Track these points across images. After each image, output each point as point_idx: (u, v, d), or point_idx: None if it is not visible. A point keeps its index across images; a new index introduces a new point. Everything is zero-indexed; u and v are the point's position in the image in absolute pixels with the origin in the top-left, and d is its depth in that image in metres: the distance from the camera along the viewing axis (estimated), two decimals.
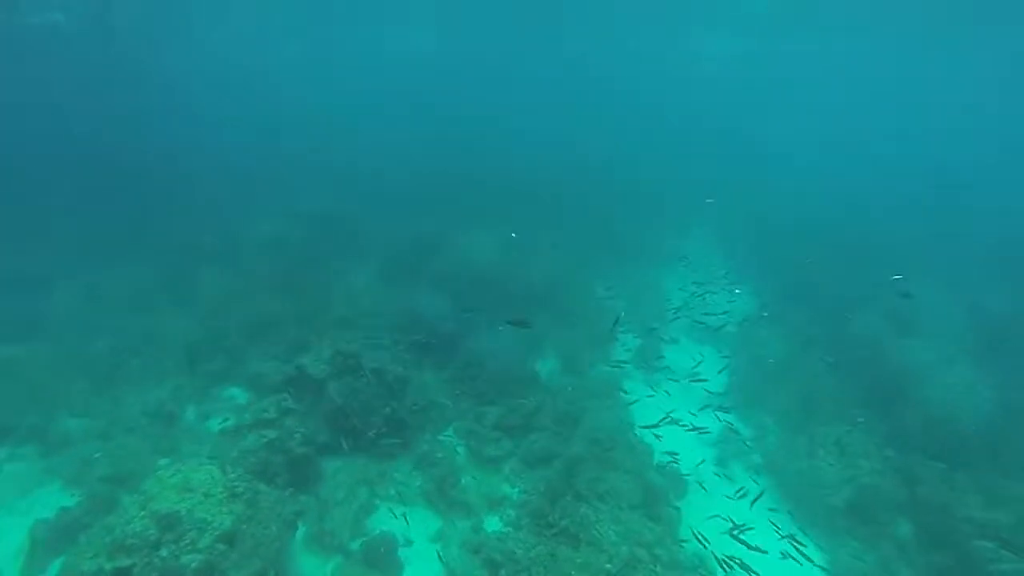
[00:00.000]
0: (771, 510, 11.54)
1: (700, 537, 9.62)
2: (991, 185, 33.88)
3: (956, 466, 11.79)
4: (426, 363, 13.82)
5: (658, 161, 33.92)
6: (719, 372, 16.06)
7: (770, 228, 25.13)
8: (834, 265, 20.63)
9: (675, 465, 12.12)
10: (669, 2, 38.24)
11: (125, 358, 14.38)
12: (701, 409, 13.98)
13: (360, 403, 11.75)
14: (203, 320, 15.97)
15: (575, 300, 18.23)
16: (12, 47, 37.03)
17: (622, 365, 15.66)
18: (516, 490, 11.22)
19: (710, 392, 15.11)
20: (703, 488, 11.82)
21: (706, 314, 17.29)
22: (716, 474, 12.45)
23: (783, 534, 10.31)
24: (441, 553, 9.86)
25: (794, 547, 9.95)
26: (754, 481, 12.42)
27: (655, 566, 8.74)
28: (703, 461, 12.57)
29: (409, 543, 10.07)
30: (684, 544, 9.86)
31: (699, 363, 15.50)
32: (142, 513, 7.90)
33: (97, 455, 11.23)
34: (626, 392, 14.46)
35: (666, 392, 14.74)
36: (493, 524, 10.50)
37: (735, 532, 10.43)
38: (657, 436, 12.43)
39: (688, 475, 12.03)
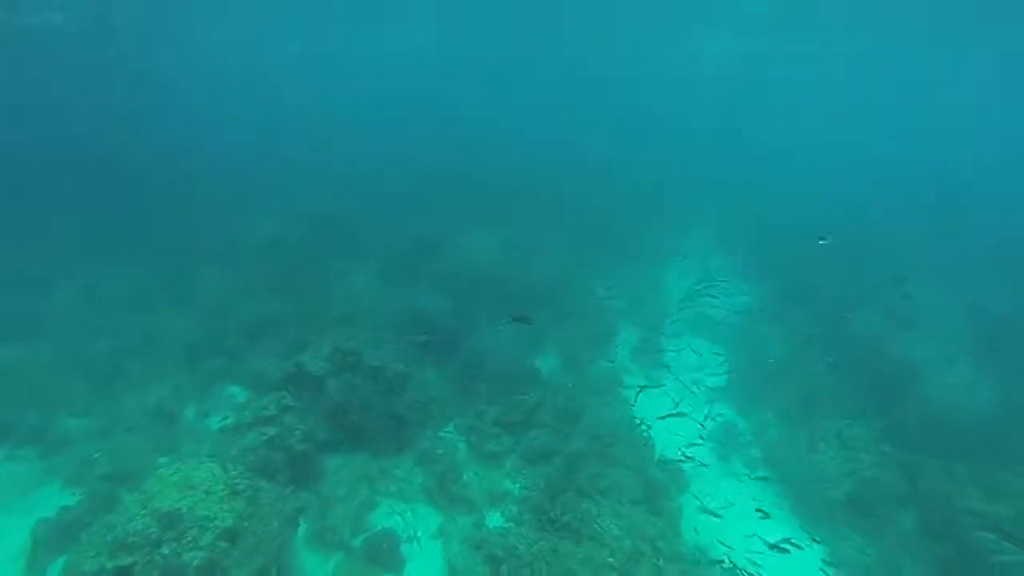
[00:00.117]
0: (772, 503, 11.57)
1: (701, 531, 9.64)
2: (991, 185, 33.88)
3: (956, 460, 11.82)
4: (427, 360, 13.79)
5: (658, 161, 33.81)
6: (720, 369, 16.08)
7: (770, 227, 25.09)
8: (835, 264, 20.63)
9: (676, 460, 12.14)
10: (669, 2, 38.27)
11: (125, 357, 14.36)
12: (702, 405, 14.01)
13: (360, 400, 11.75)
14: (203, 319, 15.96)
15: (575, 299, 18.24)
16: (11, 47, 36.98)
17: (622, 362, 15.71)
18: (517, 486, 11.21)
19: (711, 388, 15.15)
20: (704, 482, 11.83)
21: (707, 312, 17.36)
22: (717, 468, 12.46)
23: (783, 527, 10.33)
24: (443, 549, 9.85)
25: (794, 542, 9.98)
26: (754, 474, 12.44)
27: (658, 560, 8.73)
28: (704, 456, 12.58)
29: (411, 539, 10.06)
30: (686, 538, 9.86)
31: (699, 360, 15.55)
32: (143, 511, 7.89)
33: (97, 454, 11.23)
34: (626, 388, 14.48)
35: (667, 389, 14.74)
36: (495, 520, 10.49)
37: (738, 526, 10.44)
38: (658, 432, 12.47)
39: (689, 470, 12.02)
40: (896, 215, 27.03)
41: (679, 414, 13.31)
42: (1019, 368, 14.65)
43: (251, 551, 8.03)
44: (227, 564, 7.67)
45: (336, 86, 58.91)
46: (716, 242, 25.26)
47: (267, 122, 40.37)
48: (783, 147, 42.70)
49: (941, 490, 11.39)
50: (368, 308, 15.93)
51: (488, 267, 18.20)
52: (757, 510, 11.11)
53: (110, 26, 38.71)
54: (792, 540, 10.25)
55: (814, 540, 10.84)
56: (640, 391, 14.15)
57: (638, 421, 12.97)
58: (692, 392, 14.82)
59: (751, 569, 9.87)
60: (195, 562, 7.39)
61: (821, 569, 10.23)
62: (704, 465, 12.16)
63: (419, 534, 10.16)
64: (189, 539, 7.60)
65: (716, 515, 10.88)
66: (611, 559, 8.61)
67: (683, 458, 12.22)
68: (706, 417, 13.67)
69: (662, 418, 12.50)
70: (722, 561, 9.81)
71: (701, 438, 13.19)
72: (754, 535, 10.46)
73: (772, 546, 10.17)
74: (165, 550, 7.41)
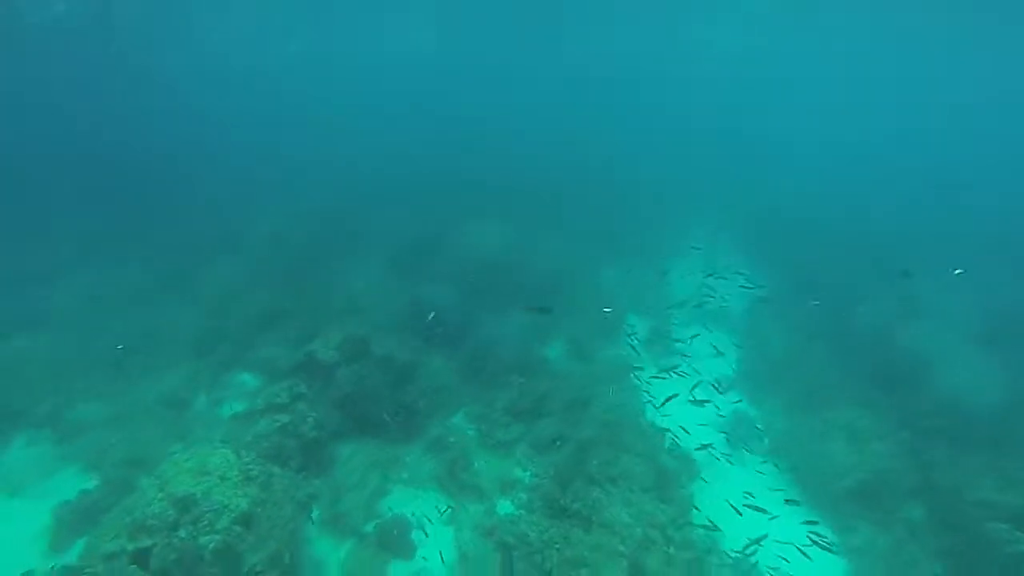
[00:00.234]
0: (782, 492, 11.55)
1: (712, 519, 9.65)
2: (992, 185, 33.60)
3: (968, 450, 11.76)
4: (435, 350, 13.82)
5: (660, 158, 33.80)
6: (729, 358, 16.06)
7: (775, 222, 25.19)
8: (840, 259, 20.80)
9: (686, 448, 12.14)
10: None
11: (137, 347, 14.49)
12: (712, 394, 13.97)
13: (370, 388, 11.81)
14: (212, 310, 16.10)
15: (582, 290, 18.21)
16: (13, 44, 37.02)
17: (631, 352, 15.70)
18: (527, 473, 11.26)
19: (721, 378, 15.11)
20: (714, 470, 11.84)
21: (715, 302, 17.30)
22: (727, 456, 12.45)
23: (793, 516, 10.33)
24: (454, 536, 9.93)
25: (803, 531, 9.97)
26: (764, 462, 12.44)
27: (668, 547, 8.77)
28: (714, 444, 12.59)
29: (422, 526, 10.13)
30: (696, 526, 9.88)
31: (709, 350, 15.49)
32: (160, 496, 8.00)
33: (113, 440, 11.38)
34: (636, 378, 14.48)
35: (676, 378, 14.69)
36: (505, 507, 10.56)
37: (747, 513, 10.44)
38: (668, 420, 12.48)
39: (699, 458, 12.03)
40: (901, 212, 27.09)
41: (689, 403, 13.28)
42: None
43: (265, 536, 8.13)
44: (242, 548, 7.77)
45: (336, 85, 58.66)
46: (721, 236, 25.13)
47: (269, 120, 40.39)
48: (787, 145, 42.64)
49: (953, 480, 11.35)
50: (376, 299, 15.97)
51: (494, 260, 18.17)
52: (767, 499, 11.11)
53: (112, 22, 38.63)
54: (802, 529, 10.26)
55: (824, 529, 10.84)
56: (650, 380, 14.14)
57: (648, 410, 12.98)
58: (702, 381, 14.76)
59: (761, 558, 9.89)
60: (211, 545, 7.49)
61: (831, 558, 10.22)
62: (714, 453, 12.15)
63: (430, 521, 10.23)
64: (205, 523, 7.71)
65: (726, 503, 10.87)
66: (622, 547, 8.65)
67: (693, 446, 12.22)
68: (716, 406, 13.63)
69: (672, 407, 12.47)
70: (731, 549, 9.83)
71: (711, 426, 13.18)
72: (764, 524, 10.46)
73: (781, 535, 10.19)
74: (182, 533, 7.53)
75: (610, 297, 18.25)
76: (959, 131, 52.84)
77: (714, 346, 15.47)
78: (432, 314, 13.08)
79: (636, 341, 16.62)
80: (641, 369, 14.95)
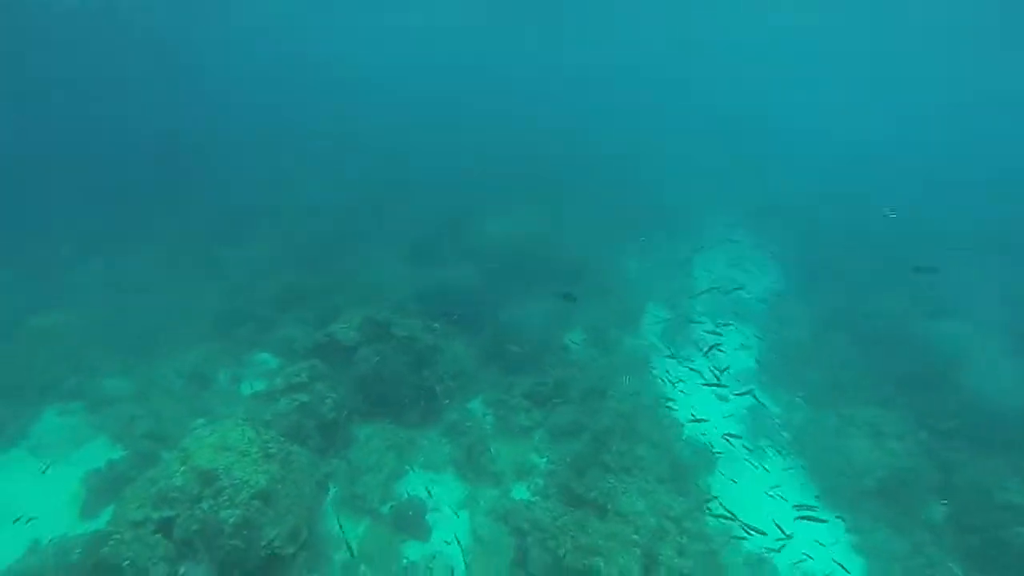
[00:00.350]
0: (800, 488, 11.43)
1: (728, 511, 9.57)
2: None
3: (995, 452, 11.49)
4: (456, 333, 13.85)
5: (688, 151, 33.53)
6: (750, 350, 15.87)
7: (799, 214, 24.86)
8: (866, 252, 20.48)
9: (704, 440, 12.05)
10: None
11: (161, 323, 14.77)
12: (732, 386, 13.82)
13: (390, 370, 11.89)
14: (234, 289, 16.35)
15: (605, 277, 18.12)
16: (38, 26, 37.49)
17: (651, 340, 15.60)
18: (544, 460, 11.27)
19: (741, 369, 14.95)
20: (732, 463, 11.73)
21: (736, 293, 17.09)
22: (745, 450, 12.32)
23: (810, 512, 10.19)
24: (469, 519, 10.00)
25: (821, 528, 9.85)
26: (783, 457, 12.30)
27: (682, 538, 8.71)
28: (732, 436, 12.47)
29: (438, 509, 10.23)
30: (712, 518, 9.82)
31: (729, 341, 15.32)
32: (183, 469, 8.16)
33: (139, 414, 11.66)
34: (655, 368, 14.41)
35: (696, 369, 14.57)
36: (520, 492, 10.59)
37: (766, 509, 10.35)
38: (686, 411, 12.38)
39: (717, 450, 11.93)
40: (930, 207, 26.46)
41: (708, 394, 13.18)
42: None
43: (284, 512, 8.26)
44: (262, 522, 7.90)
45: (361, 67, 58.65)
46: (746, 228, 24.78)
47: (295, 103, 40.59)
48: (814, 136, 41.95)
49: (977, 482, 11.10)
50: (398, 282, 16.06)
51: (518, 246, 18.15)
52: (785, 494, 11.00)
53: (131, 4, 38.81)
54: (819, 526, 10.14)
55: (841, 527, 10.71)
56: (669, 371, 14.04)
57: (665, 400, 12.89)
58: (722, 373, 14.61)
59: (776, 553, 9.80)
60: (231, 519, 7.63)
61: (848, 557, 10.09)
62: (732, 446, 12.05)
63: (446, 504, 10.32)
64: (226, 497, 7.85)
65: (743, 496, 10.79)
66: (636, 536, 8.62)
67: (710, 439, 12.12)
68: (736, 398, 13.49)
69: (691, 398, 12.39)
70: (747, 543, 9.75)
71: (730, 419, 13.05)
72: (781, 519, 10.36)
73: (798, 531, 10.07)
74: (204, 506, 7.68)
75: (632, 286, 18.17)
76: (998, 126, 51.27)
77: (735, 338, 15.29)
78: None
79: (657, 330, 16.53)
80: (661, 359, 14.87)
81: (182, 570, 7.17)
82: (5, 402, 11.92)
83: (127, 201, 22.56)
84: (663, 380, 13.85)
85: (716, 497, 10.39)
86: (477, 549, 9.47)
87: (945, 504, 10.82)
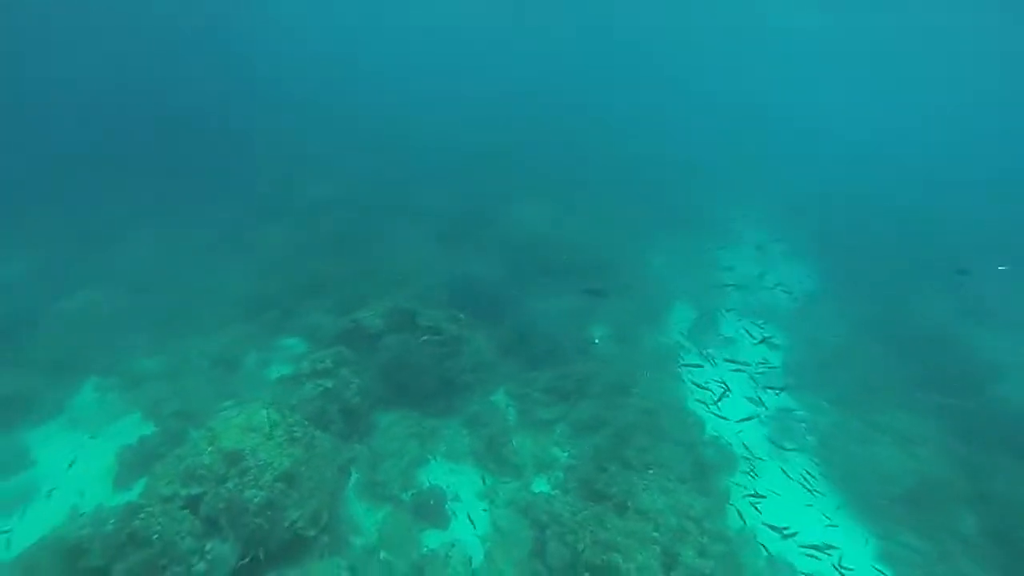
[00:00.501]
0: (825, 492, 11.14)
1: (748, 515, 9.40)
2: None
3: None
4: (480, 325, 13.84)
5: (713, 141, 33.04)
6: (777, 351, 15.51)
7: (831, 213, 24.29)
8: (898, 255, 19.90)
9: (727, 441, 11.83)
10: None
11: (192, 307, 15.14)
12: (757, 387, 13.54)
13: (414, 360, 11.95)
14: (263, 274, 16.63)
15: (630, 272, 17.94)
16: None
17: (676, 338, 15.37)
18: (565, 454, 11.21)
19: (768, 370, 14.62)
20: (756, 465, 11.49)
21: (765, 292, 16.73)
22: (769, 452, 12.06)
23: (834, 517, 9.96)
24: (489, 510, 10.02)
25: (844, 534, 9.59)
26: (808, 461, 12.01)
27: (703, 538, 8.58)
28: (757, 438, 12.24)
29: (458, 498, 10.26)
30: (732, 519, 9.64)
31: (756, 341, 14.97)
32: (210, 448, 8.34)
33: (169, 393, 11.99)
34: (679, 365, 14.20)
35: (720, 368, 14.32)
36: (541, 485, 10.55)
37: (788, 513, 10.12)
38: (710, 411, 12.17)
39: (740, 451, 11.71)
40: (967, 210, 25.61)
41: (733, 394, 12.92)
42: None
43: (307, 495, 8.40)
44: (285, 504, 8.05)
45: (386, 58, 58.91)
46: (777, 226, 24.22)
47: (323, 95, 40.96)
48: (851, 137, 40.89)
49: (1012, 493, 10.69)
50: (424, 272, 16.14)
51: (543, 238, 18.11)
52: (809, 499, 10.73)
53: None
54: (843, 532, 9.87)
55: (866, 533, 10.41)
56: (693, 369, 13.81)
57: (689, 399, 12.69)
58: (748, 373, 14.32)
59: (798, 558, 9.58)
60: (256, 500, 7.78)
61: (872, 566, 9.80)
62: (757, 448, 11.80)
63: (466, 494, 10.34)
64: (251, 477, 8.00)
65: (765, 500, 10.56)
66: (656, 534, 8.52)
67: (734, 439, 11.89)
68: (761, 399, 13.21)
69: (716, 397, 12.15)
70: (768, 547, 9.55)
71: (755, 420, 12.78)
72: (803, 524, 10.12)
73: (822, 537, 9.83)
74: (230, 485, 7.84)
75: (659, 282, 17.95)
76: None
77: (763, 338, 14.93)
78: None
79: (683, 327, 16.29)
80: (685, 357, 14.64)
81: (208, 546, 7.34)
82: (46, 377, 12.41)
83: (165, 181, 23.23)
84: (686, 379, 13.64)
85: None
86: (496, 539, 9.48)
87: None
